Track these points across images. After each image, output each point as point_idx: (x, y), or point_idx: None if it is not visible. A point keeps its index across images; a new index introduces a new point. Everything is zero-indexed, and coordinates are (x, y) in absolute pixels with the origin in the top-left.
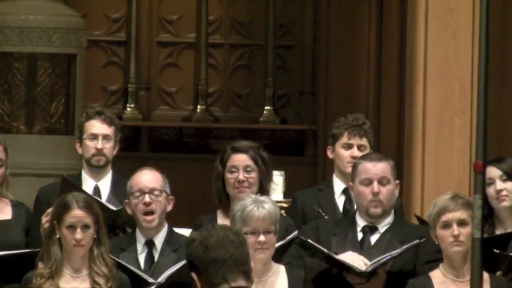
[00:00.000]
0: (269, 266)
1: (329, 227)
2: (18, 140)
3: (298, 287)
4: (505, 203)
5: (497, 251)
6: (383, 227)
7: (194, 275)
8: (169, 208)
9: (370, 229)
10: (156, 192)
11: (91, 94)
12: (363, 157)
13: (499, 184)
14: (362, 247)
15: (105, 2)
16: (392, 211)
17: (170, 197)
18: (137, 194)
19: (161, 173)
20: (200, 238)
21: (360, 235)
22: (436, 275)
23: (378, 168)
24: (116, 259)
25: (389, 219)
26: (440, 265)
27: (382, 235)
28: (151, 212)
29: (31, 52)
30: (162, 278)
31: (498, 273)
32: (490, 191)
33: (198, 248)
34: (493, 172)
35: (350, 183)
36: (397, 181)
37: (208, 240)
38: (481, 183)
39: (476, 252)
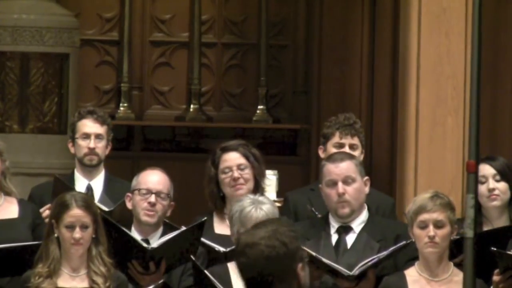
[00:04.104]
0: None
1: (302, 231)
2: (11, 140)
3: None
4: (495, 203)
5: (495, 249)
6: (358, 226)
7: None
8: (169, 213)
9: (344, 230)
10: (162, 195)
11: (84, 93)
12: (327, 158)
13: (492, 183)
14: (337, 250)
15: (98, 1)
16: (365, 208)
17: (172, 202)
18: (144, 192)
19: (169, 177)
20: (241, 249)
21: (334, 237)
22: (411, 273)
23: (341, 168)
24: (115, 222)
25: (362, 217)
26: (416, 264)
27: (359, 235)
28: (154, 212)
29: (24, 52)
30: (156, 244)
31: (496, 271)
32: (482, 189)
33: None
34: (486, 170)
35: (319, 185)
36: (366, 178)
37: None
38: (474, 182)
39: (469, 251)
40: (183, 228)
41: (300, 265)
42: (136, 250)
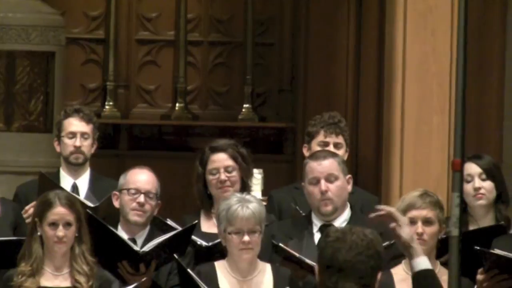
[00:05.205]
0: (254, 265)
1: (285, 230)
2: None
3: (284, 285)
4: (481, 201)
5: (479, 248)
6: (340, 224)
7: (316, 268)
8: (156, 212)
9: (327, 228)
10: (151, 195)
11: (70, 92)
12: (310, 157)
13: (478, 182)
14: None
15: (84, 0)
16: (348, 206)
17: (159, 201)
18: (133, 191)
19: (157, 176)
20: (335, 236)
21: (317, 236)
22: (398, 272)
23: (324, 166)
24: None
25: (345, 215)
26: (403, 262)
27: None
28: (142, 212)
29: (10, 50)
30: (146, 248)
31: (480, 270)
32: (468, 187)
33: (327, 246)
34: (472, 169)
35: (303, 183)
36: (348, 176)
37: (338, 243)
38: (459, 181)
39: (454, 250)
40: (174, 232)
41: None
42: (126, 251)
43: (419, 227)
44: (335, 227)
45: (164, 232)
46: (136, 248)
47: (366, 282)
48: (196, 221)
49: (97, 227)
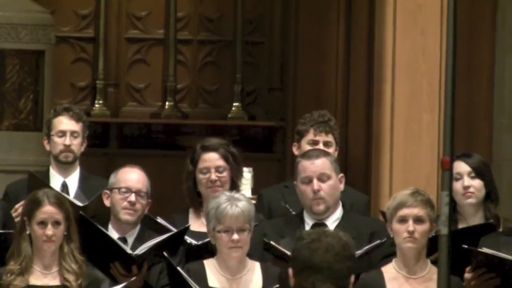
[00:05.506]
0: (243, 263)
1: (276, 229)
2: None
3: (273, 284)
4: (470, 200)
5: (466, 246)
6: (332, 223)
7: (290, 271)
8: (146, 210)
9: (319, 227)
10: (142, 194)
11: (59, 90)
12: (302, 155)
13: (467, 181)
14: None
15: None
16: (340, 205)
17: (149, 200)
18: (124, 190)
19: (147, 175)
20: (309, 238)
21: None
22: (388, 271)
23: (316, 165)
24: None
25: (337, 214)
26: (393, 260)
27: None
28: (134, 211)
29: (0, 48)
30: (139, 251)
31: (468, 268)
32: (457, 186)
33: (302, 248)
34: (462, 167)
35: (295, 182)
36: (341, 175)
37: (314, 244)
38: (449, 179)
39: (444, 248)
40: (167, 234)
41: None
42: (119, 253)
43: (410, 225)
44: (308, 230)
45: (155, 231)
46: (130, 251)
47: (342, 283)
48: (190, 224)
49: (90, 228)
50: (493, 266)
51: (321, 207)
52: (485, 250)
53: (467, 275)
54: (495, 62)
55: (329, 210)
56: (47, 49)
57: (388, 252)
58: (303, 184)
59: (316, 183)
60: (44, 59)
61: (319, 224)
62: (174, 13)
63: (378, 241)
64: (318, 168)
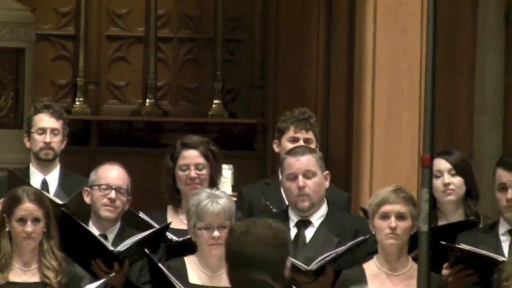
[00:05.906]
0: (224, 260)
1: None
2: None
3: None
4: (451, 197)
5: (444, 242)
6: (317, 220)
7: (225, 267)
8: (126, 207)
9: (304, 224)
10: (122, 191)
11: (40, 88)
12: (288, 152)
13: (447, 178)
14: (296, 244)
15: None
16: (325, 202)
17: (130, 197)
18: (104, 187)
19: (127, 172)
20: (239, 231)
21: (294, 231)
22: (370, 267)
23: (302, 162)
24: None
25: (322, 211)
26: (375, 257)
27: (318, 229)
28: (114, 208)
29: None
30: (121, 247)
31: (445, 265)
32: (437, 183)
33: (234, 240)
34: (442, 164)
35: (280, 179)
36: (326, 172)
37: (244, 236)
38: (429, 176)
39: (423, 245)
40: (148, 231)
41: None
42: (100, 250)
43: (393, 221)
44: (238, 222)
45: (136, 228)
46: (111, 248)
47: (277, 272)
48: (171, 221)
49: (71, 225)
50: (470, 263)
51: (306, 204)
52: (462, 246)
53: (444, 272)
54: (475, 60)
55: (314, 207)
56: (28, 47)
57: (372, 250)
58: (288, 180)
59: (301, 180)
60: (25, 57)
61: (304, 221)
62: (155, 10)
63: (361, 237)
64: (304, 165)
